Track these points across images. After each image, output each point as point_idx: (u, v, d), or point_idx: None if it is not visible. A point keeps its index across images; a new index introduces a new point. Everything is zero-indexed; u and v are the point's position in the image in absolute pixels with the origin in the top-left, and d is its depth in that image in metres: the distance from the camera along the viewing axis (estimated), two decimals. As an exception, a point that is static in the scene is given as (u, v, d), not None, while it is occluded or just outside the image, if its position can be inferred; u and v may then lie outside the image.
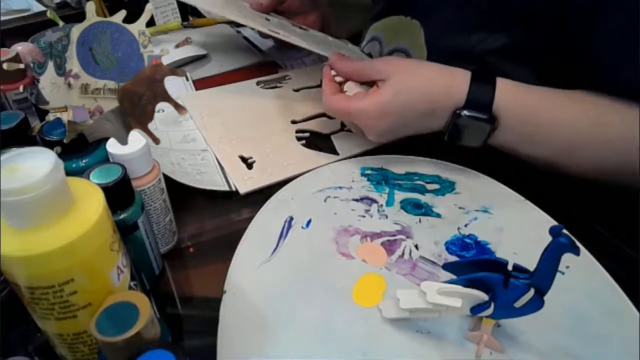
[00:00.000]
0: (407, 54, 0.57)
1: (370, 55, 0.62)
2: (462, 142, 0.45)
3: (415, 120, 0.45)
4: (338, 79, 0.50)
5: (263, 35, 0.74)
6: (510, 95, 0.43)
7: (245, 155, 0.52)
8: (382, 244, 0.41)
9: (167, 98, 0.34)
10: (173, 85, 0.62)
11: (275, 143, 0.54)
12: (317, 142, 0.55)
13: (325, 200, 0.46)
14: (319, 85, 0.65)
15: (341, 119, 0.50)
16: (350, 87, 0.49)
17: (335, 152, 0.53)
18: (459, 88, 0.43)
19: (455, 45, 0.52)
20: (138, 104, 0.32)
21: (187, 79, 0.68)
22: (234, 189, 0.48)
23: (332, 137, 0.55)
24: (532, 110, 0.44)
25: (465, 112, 0.43)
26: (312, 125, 0.57)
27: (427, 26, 0.55)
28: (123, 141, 0.33)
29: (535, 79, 0.45)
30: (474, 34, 0.50)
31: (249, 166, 0.51)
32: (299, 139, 0.55)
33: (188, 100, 0.61)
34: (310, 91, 0.64)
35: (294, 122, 0.58)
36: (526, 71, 0.47)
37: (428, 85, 0.44)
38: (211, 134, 0.55)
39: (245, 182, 0.48)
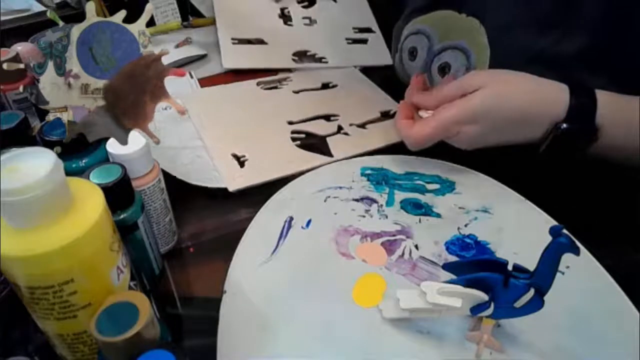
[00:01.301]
0: (465, 53, 0.54)
1: (414, 50, 0.60)
2: (559, 155, 0.44)
3: (508, 129, 0.44)
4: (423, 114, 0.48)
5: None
6: (611, 108, 0.41)
7: (239, 154, 0.52)
8: (382, 244, 0.41)
9: (163, 96, 0.34)
10: (178, 83, 0.63)
11: (269, 143, 0.54)
12: (313, 143, 0.54)
13: (325, 200, 0.46)
14: (320, 88, 0.65)
15: (434, 140, 0.46)
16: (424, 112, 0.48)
17: (330, 154, 0.53)
18: (558, 100, 0.42)
19: (523, 46, 0.48)
20: (120, 97, 0.32)
21: (192, 77, 0.68)
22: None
23: (328, 139, 0.55)
24: (635, 122, 0.41)
25: (564, 126, 0.41)
26: (308, 126, 0.57)
27: (487, 24, 0.51)
28: (120, 138, 0.33)
29: (615, 89, 0.43)
30: (546, 34, 0.46)
31: (241, 164, 0.51)
32: (294, 139, 0.55)
33: (187, 99, 0.61)
34: (310, 93, 0.64)
35: (290, 123, 0.58)
36: (604, 79, 0.44)
37: (522, 94, 0.43)
38: (208, 132, 0.55)
39: (235, 180, 0.48)
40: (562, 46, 0.46)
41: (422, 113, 0.48)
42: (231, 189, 0.47)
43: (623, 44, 0.44)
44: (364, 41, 0.74)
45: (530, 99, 0.43)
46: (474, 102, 0.43)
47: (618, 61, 0.45)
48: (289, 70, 0.69)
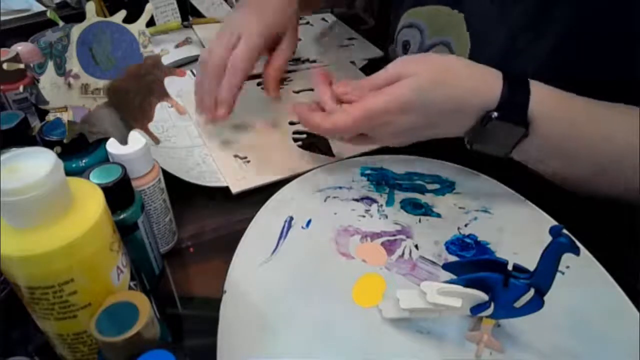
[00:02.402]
0: (449, 48, 0.52)
1: (407, 43, 0.59)
2: (486, 149, 0.42)
3: (441, 119, 0.41)
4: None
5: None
6: (548, 101, 0.39)
7: (241, 155, 0.52)
8: (382, 243, 0.41)
9: (164, 96, 0.34)
10: (181, 81, 0.63)
11: (271, 143, 0.54)
12: (314, 143, 0.54)
13: (325, 200, 0.46)
14: None
15: (355, 131, 0.43)
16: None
17: (331, 154, 0.53)
18: (491, 87, 0.39)
19: (500, 45, 0.47)
20: (126, 99, 0.32)
21: (194, 75, 0.68)
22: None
23: (329, 138, 0.55)
24: (572, 121, 0.40)
25: (496, 114, 0.39)
26: None
27: (472, 21, 0.50)
28: (122, 136, 0.33)
29: (579, 85, 0.41)
30: (521, 35, 0.45)
31: (243, 165, 0.51)
32: (295, 139, 0.55)
33: (187, 97, 0.61)
34: (310, 93, 0.64)
35: (292, 123, 0.58)
36: (569, 77, 0.41)
37: (456, 83, 0.40)
38: (209, 132, 0.55)
39: (238, 182, 0.48)
40: (535, 47, 0.45)
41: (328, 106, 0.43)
42: (234, 191, 0.47)
43: (594, 50, 0.43)
44: (351, 45, 0.78)
45: (464, 87, 0.40)
46: (404, 89, 0.39)
47: (587, 67, 0.43)
48: (288, 71, 0.69)
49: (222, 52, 0.51)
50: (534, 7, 0.45)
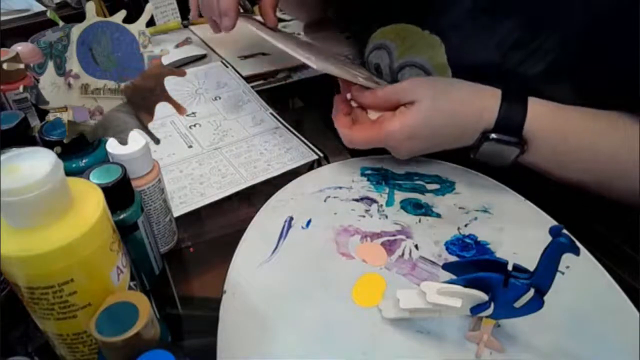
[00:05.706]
0: (425, 71, 0.52)
1: (378, 66, 0.57)
2: (488, 162, 0.44)
3: (444, 142, 0.45)
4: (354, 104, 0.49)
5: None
6: (543, 119, 0.42)
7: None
8: (382, 243, 0.41)
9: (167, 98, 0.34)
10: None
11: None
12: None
13: (325, 200, 0.46)
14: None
15: (370, 145, 0.47)
16: (373, 113, 0.48)
17: None
18: (490, 109, 0.42)
19: (485, 66, 0.47)
20: (144, 98, 0.32)
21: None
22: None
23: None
24: (565, 136, 0.42)
25: (493, 135, 0.42)
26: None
27: (449, 43, 0.50)
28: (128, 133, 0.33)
29: (576, 97, 0.43)
30: (510, 55, 0.45)
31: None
32: None
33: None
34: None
35: None
36: (565, 90, 0.44)
37: (458, 109, 0.43)
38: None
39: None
40: (526, 66, 0.45)
41: (371, 115, 0.47)
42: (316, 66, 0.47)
43: (588, 62, 0.43)
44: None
45: (466, 112, 0.43)
46: (411, 120, 0.43)
47: (583, 78, 0.44)
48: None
49: None
50: (521, 27, 0.45)
